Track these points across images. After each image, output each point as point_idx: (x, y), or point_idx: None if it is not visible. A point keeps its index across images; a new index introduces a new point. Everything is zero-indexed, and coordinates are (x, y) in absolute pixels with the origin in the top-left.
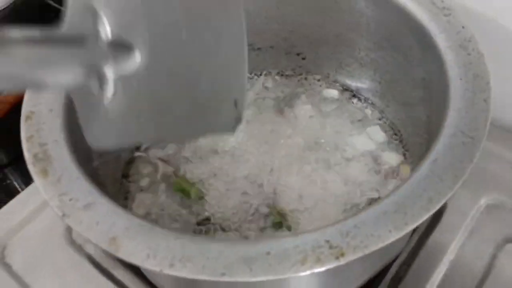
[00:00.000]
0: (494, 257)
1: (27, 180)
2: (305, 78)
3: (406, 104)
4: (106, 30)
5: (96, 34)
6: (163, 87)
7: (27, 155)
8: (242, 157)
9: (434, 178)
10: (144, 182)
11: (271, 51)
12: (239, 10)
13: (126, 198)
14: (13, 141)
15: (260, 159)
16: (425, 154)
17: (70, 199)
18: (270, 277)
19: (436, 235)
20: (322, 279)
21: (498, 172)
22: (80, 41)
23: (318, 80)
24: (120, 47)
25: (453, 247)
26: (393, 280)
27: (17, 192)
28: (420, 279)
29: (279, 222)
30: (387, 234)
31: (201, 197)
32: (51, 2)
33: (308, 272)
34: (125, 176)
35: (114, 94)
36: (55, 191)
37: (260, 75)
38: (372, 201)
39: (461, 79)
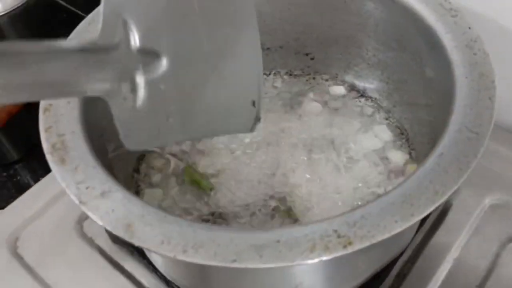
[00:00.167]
0: (497, 256)
1: (37, 176)
2: (313, 78)
3: (413, 104)
4: (136, 38)
5: (127, 42)
6: (187, 89)
7: (45, 145)
8: (252, 154)
9: (440, 171)
10: (156, 177)
11: (280, 51)
12: (252, 14)
13: (137, 193)
14: (24, 138)
15: (269, 156)
16: (431, 150)
17: (87, 187)
18: (280, 264)
19: (441, 234)
20: (328, 273)
21: (502, 172)
22: (113, 49)
23: (326, 80)
24: (148, 54)
25: (457, 245)
26: (397, 277)
27: (28, 189)
28: (424, 276)
29: (287, 215)
30: (394, 225)
31: (211, 189)
32: (63, 2)
33: (316, 260)
34: (137, 171)
35: (145, 98)
36: (72, 179)
37: (269, 74)
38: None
39: (466, 77)
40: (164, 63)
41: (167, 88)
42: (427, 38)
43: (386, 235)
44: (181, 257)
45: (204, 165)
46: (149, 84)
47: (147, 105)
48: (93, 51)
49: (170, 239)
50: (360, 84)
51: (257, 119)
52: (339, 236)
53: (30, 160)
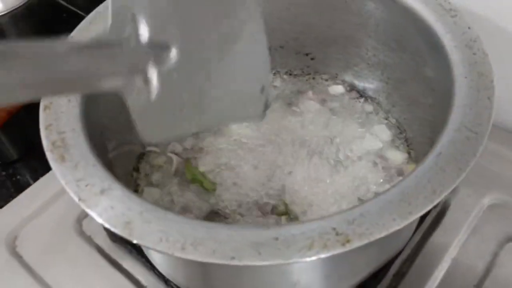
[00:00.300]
0: (495, 255)
1: (37, 176)
2: (313, 78)
3: (412, 104)
4: (145, 31)
5: (137, 36)
6: (198, 79)
7: (45, 142)
8: (252, 153)
9: (438, 170)
10: (156, 176)
11: (280, 51)
12: (256, 1)
13: (136, 191)
14: (24, 137)
15: (269, 155)
16: (430, 149)
17: (86, 185)
18: (278, 262)
19: (439, 233)
20: (326, 271)
21: (501, 172)
22: (124, 44)
23: (326, 80)
24: (158, 45)
25: (455, 245)
26: (395, 276)
27: (27, 188)
28: (422, 275)
29: (286, 214)
30: (392, 223)
31: (213, 188)
32: (63, 2)
33: (314, 257)
34: (136, 170)
35: (159, 90)
36: (72, 177)
37: None
38: None
39: (466, 77)
40: (174, 53)
41: (179, 79)
42: (427, 38)
43: (384, 233)
44: (180, 254)
45: (204, 163)
46: (162, 76)
47: (161, 97)
48: (104, 47)
49: (168, 236)
50: (360, 84)
51: (267, 106)
52: (337, 234)
53: (29, 159)
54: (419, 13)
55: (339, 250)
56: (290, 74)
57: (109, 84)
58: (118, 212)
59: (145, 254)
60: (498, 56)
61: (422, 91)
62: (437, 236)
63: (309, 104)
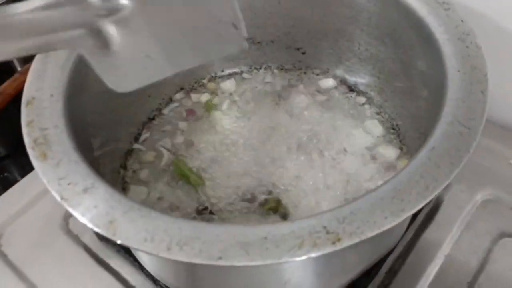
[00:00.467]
0: (489, 251)
1: (25, 172)
2: (305, 73)
3: (404, 99)
4: None
5: None
6: (162, 23)
7: (27, 139)
8: (242, 148)
9: (431, 165)
10: (143, 173)
11: (271, 45)
12: None
13: (123, 189)
14: (12, 133)
15: (259, 150)
16: (422, 144)
17: (69, 183)
18: (267, 262)
19: (432, 230)
20: (317, 270)
21: (494, 168)
22: (76, 2)
23: (317, 75)
24: None
25: (448, 241)
26: (388, 274)
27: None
28: (415, 273)
29: (276, 210)
30: (383, 221)
31: (201, 184)
32: None
33: (304, 257)
34: (124, 167)
35: (119, 41)
36: (54, 175)
37: (260, 68)
38: None
39: (459, 71)
40: (126, 3)
41: (138, 27)
42: (420, 31)
43: (376, 231)
44: (165, 254)
45: (194, 159)
46: (118, 27)
47: (122, 48)
48: (57, 5)
49: (153, 236)
50: (351, 78)
51: (244, 38)
52: (328, 232)
53: (18, 156)
54: (412, 6)
55: (329, 249)
56: (281, 69)
57: (64, 41)
58: (102, 211)
59: (133, 253)
60: (492, 51)
61: (415, 86)
62: (430, 233)
63: (300, 99)
